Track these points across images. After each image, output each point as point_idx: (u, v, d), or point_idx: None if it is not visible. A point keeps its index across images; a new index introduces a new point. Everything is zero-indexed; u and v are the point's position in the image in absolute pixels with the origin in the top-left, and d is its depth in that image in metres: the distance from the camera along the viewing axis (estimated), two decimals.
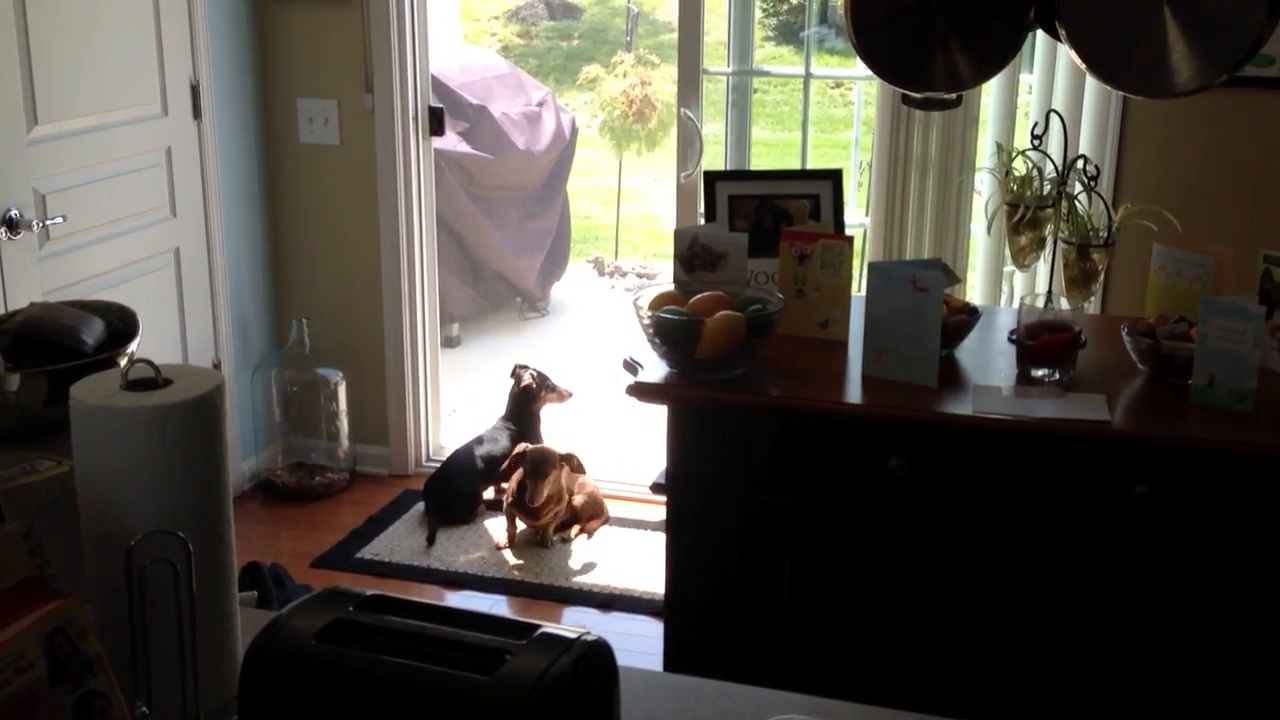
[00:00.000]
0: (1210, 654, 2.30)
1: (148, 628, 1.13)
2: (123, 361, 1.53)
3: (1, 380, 1.46)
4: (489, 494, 4.20)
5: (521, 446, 3.99)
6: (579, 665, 1.04)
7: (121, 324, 1.65)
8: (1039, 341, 2.40)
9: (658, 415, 2.50)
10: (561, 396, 4.47)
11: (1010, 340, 2.55)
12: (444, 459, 4.30)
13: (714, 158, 4.24)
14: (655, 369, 2.45)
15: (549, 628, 1.07)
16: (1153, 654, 2.33)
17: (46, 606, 1.03)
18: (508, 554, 3.95)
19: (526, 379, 4.39)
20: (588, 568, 3.89)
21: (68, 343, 1.56)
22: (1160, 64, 2.23)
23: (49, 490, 1.32)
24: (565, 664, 1.03)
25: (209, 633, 1.21)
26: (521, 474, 3.89)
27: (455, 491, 4.13)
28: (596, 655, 1.06)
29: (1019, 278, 3.73)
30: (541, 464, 3.87)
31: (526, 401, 4.38)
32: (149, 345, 1.58)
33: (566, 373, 5.77)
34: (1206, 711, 2.33)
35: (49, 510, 1.29)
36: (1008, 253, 2.99)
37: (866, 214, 3.90)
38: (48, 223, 3.33)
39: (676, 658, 2.55)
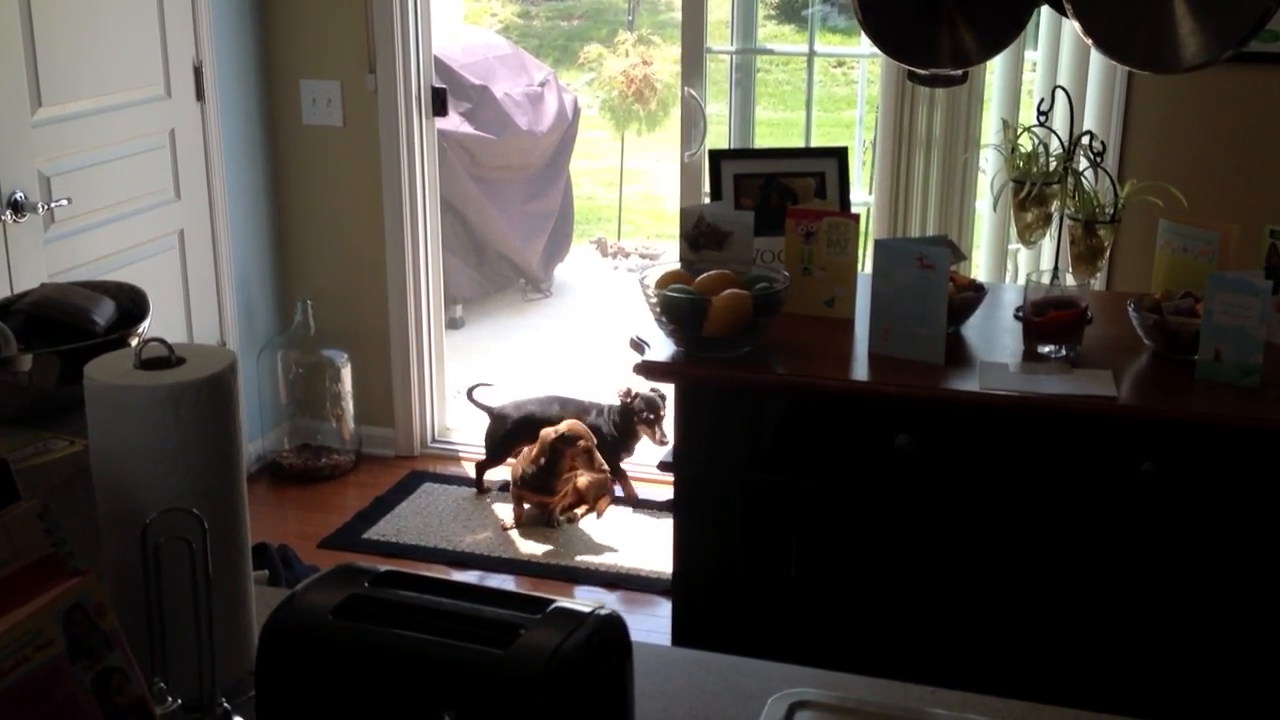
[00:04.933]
0: (1217, 629, 2.31)
1: (164, 605, 1.14)
2: (134, 342, 1.54)
3: (14, 361, 1.46)
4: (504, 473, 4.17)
5: (552, 433, 3.95)
6: (593, 639, 1.04)
7: (132, 304, 1.66)
8: (1045, 318, 2.40)
9: (665, 393, 2.50)
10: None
11: (1016, 317, 2.55)
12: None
13: (717, 137, 4.23)
14: (662, 347, 2.45)
15: (563, 602, 1.08)
16: (1159, 629, 2.34)
17: (64, 584, 1.03)
18: (514, 534, 3.96)
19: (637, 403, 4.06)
20: (594, 547, 3.90)
21: (79, 323, 1.57)
22: (1166, 39, 2.23)
23: (63, 470, 1.32)
24: (579, 638, 1.03)
25: (224, 609, 1.22)
26: (538, 453, 3.89)
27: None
28: (610, 630, 1.07)
29: (1023, 255, 3.73)
30: (574, 441, 3.90)
31: (629, 418, 4.10)
32: (154, 328, 1.59)
33: (571, 353, 5.78)
34: (1213, 685, 2.34)
35: (63, 489, 1.30)
36: (1012, 230, 2.99)
37: (870, 193, 3.90)
38: (52, 205, 3.33)
39: (684, 636, 2.56)
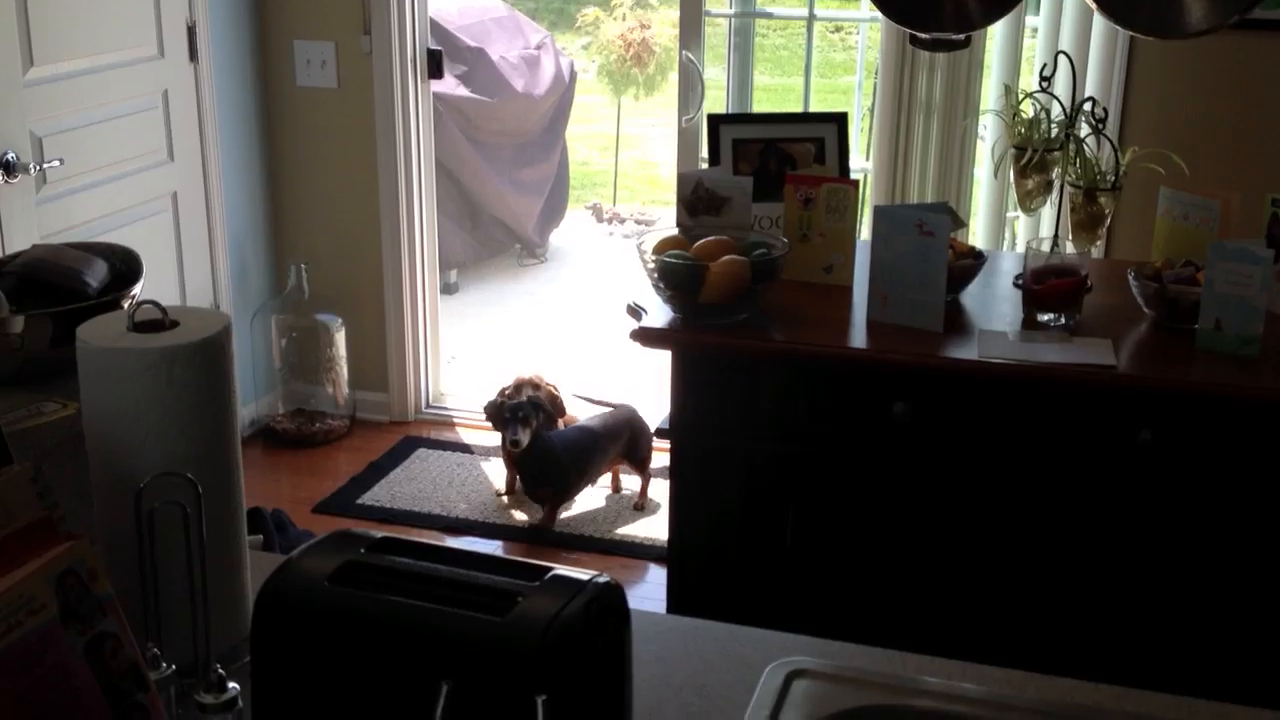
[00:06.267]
0: (1213, 598, 2.31)
1: (158, 570, 1.13)
2: (126, 304, 1.52)
3: (6, 322, 1.44)
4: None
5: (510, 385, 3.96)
6: (591, 607, 1.03)
7: (125, 266, 1.64)
8: (1045, 286, 2.39)
9: (661, 360, 2.49)
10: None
11: (1016, 285, 2.54)
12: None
13: (715, 102, 4.19)
14: (659, 314, 2.44)
15: (561, 570, 1.07)
16: (1156, 598, 2.34)
17: (57, 548, 1.02)
18: (508, 500, 3.95)
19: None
20: (589, 514, 3.89)
21: (71, 285, 1.55)
22: (1171, 4, 2.21)
23: (55, 433, 1.31)
24: (578, 606, 1.02)
25: (219, 575, 1.21)
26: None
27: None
28: (609, 597, 1.06)
29: (1021, 222, 3.71)
30: (524, 387, 3.89)
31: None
32: (147, 290, 1.57)
33: (566, 319, 5.76)
34: (1210, 654, 2.34)
35: (55, 453, 1.29)
36: (1010, 197, 2.96)
37: (868, 159, 3.87)
38: (44, 166, 3.30)
39: (679, 603, 2.56)
